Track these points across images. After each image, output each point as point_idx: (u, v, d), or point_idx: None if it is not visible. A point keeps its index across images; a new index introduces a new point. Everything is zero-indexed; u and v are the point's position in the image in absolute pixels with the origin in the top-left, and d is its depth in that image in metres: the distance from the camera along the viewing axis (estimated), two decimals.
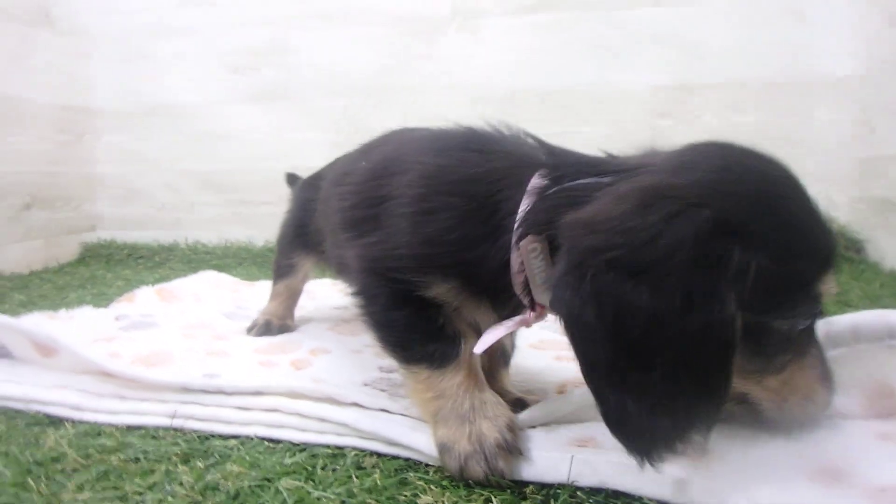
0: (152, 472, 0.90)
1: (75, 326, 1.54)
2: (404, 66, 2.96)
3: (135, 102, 3.23)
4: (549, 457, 0.84)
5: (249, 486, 0.85)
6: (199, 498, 0.83)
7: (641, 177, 0.79)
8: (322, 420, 0.99)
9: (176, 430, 1.04)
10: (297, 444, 0.98)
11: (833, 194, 2.53)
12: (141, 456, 0.95)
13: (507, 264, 0.88)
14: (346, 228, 1.09)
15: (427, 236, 0.91)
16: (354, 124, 3.03)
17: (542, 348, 1.38)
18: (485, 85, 2.88)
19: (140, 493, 0.85)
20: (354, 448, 0.95)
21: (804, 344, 0.81)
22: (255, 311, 1.78)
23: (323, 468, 0.91)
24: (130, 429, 1.06)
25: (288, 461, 0.93)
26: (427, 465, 0.91)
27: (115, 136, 3.26)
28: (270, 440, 1.00)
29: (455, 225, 0.90)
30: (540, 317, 0.91)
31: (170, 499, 0.83)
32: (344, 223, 1.11)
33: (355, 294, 1.02)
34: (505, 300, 0.93)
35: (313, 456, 0.94)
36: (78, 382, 1.15)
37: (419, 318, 0.96)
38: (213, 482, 0.87)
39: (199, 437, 1.02)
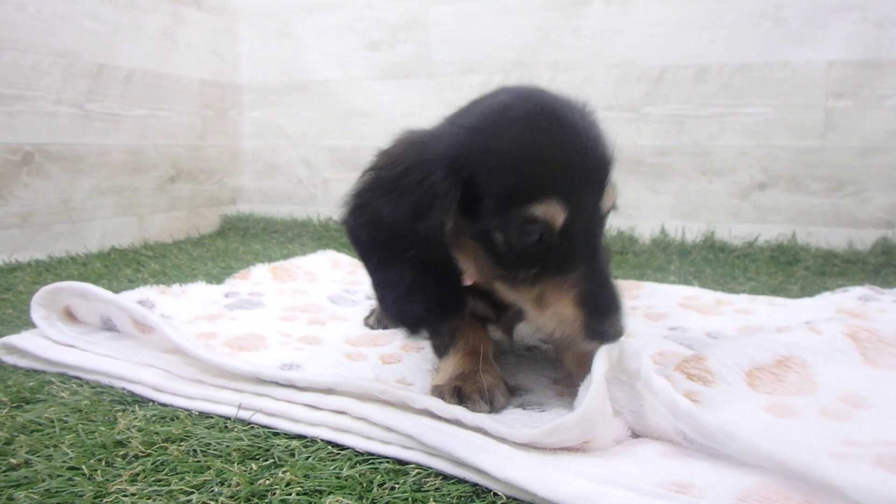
0: (207, 468, 0.85)
1: (185, 302, 1.55)
2: (547, 41, 2.79)
3: (277, 78, 3.30)
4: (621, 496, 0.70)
5: (297, 498, 0.78)
6: None
7: None
8: (388, 429, 0.90)
9: (244, 422, 1.00)
10: (361, 454, 0.90)
11: None
12: (201, 449, 0.91)
13: None
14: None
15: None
16: None
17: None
18: (633, 61, 2.66)
19: (186, 494, 0.80)
20: (418, 465, 0.86)
21: (559, 266, 0.92)
22: (363, 294, 1.74)
23: (381, 485, 0.82)
24: (203, 415, 1.03)
25: (346, 473, 0.84)
26: (495, 493, 0.79)
27: (257, 111, 3.36)
28: (335, 445, 0.93)
29: None
30: None
31: (211, 503, 0.77)
32: None
33: None
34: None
35: (374, 469, 0.86)
36: (165, 362, 1.14)
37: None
38: (262, 489, 0.80)
39: (265, 432, 0.97)
